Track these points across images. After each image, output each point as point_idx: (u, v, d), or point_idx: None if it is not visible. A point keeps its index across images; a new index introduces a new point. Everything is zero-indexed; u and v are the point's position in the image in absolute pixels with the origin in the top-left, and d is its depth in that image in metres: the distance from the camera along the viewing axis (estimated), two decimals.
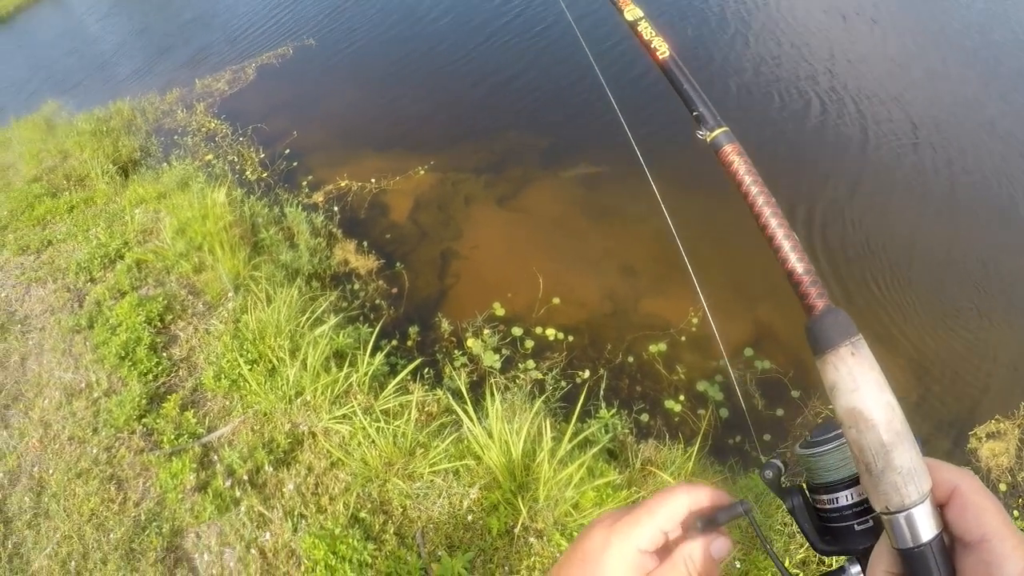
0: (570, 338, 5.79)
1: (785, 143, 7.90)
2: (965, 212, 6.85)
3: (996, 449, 4.93)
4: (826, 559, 3.43)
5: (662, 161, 6.75)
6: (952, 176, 7.20)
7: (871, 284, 6.08)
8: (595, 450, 4.11)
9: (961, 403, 5.29)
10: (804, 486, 0.83)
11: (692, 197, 6.88)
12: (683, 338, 5.66)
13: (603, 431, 4.61)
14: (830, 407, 3.80)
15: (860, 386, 0.69)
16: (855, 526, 0.78)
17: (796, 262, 0.81)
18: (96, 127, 10.05)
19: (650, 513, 0.77)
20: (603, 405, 4.95)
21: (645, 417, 5.14)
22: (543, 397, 4.60)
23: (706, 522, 0.78)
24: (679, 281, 6.18)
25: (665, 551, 0.77)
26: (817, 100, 8.36)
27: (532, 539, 3.71)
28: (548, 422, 4.05)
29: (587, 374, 5.46)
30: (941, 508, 0.68)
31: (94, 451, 4.51)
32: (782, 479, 0.84)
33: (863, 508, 0.77)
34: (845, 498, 0.78)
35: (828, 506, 0.79)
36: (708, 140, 0.98)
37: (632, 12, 1.19)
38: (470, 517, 3.83)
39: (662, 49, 1.10)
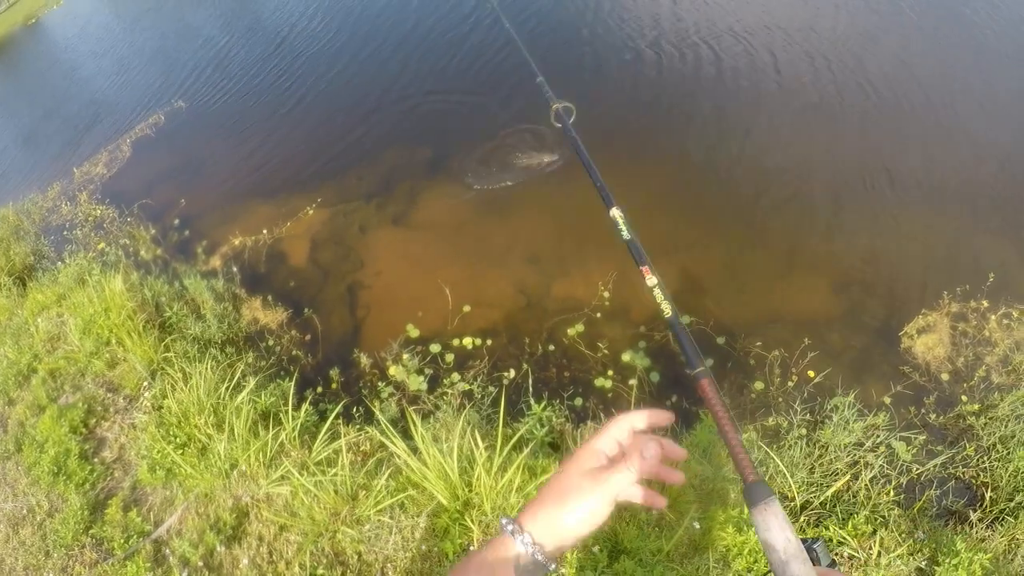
0: (489, 342, 5.85)
1: None
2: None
3: (929, 342, 5.17)
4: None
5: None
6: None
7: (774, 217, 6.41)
8: (529, 449, 4.19)
9: (887, 307, 5.50)
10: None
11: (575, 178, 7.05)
12: (598, 314, 5.77)
13: (538, 426, 4.67)
14: (757, 344, 4.02)
15: (771, 527, 1.02)
16: None
17: (741, 452, 1.15)
18: None
19: (605, 429, 1.11)
20: (532, 401, 4.96)
21: (579, 401, 5.23)
22: (468, 409, 4.64)
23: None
24: (582, 259, 6.31)
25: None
26: None
27: None
28: (478, 433, 4.08)
29: (512, 373, 5.52)
30: None
31: None
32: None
33: None
34: None
35: None
36: (692, 375, 1.33)
37: (651, 280, 1.62)
38: (424, 547, 3.89)
39: (667, 310, 1.52)
